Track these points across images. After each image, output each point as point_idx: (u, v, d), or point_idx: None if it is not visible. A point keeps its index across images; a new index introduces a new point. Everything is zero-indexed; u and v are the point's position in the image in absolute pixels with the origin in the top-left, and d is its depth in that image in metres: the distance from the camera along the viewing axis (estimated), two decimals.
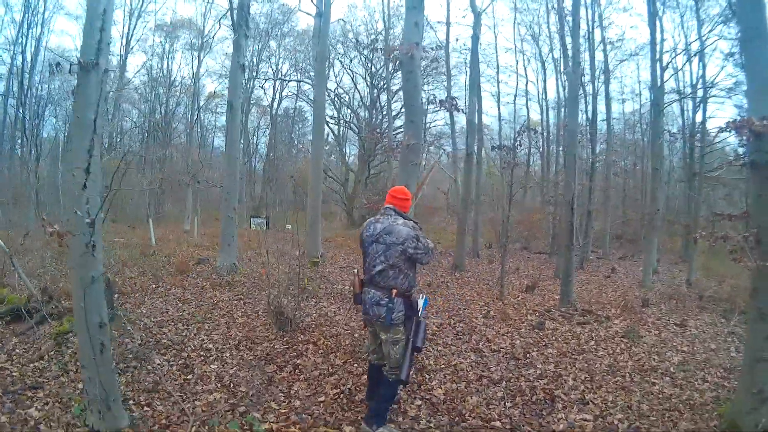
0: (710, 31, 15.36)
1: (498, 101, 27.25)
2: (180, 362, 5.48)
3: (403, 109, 29.90)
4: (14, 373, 4.89)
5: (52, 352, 5.40)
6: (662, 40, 15.55)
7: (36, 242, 13.69)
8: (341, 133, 33.46)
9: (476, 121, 15.48)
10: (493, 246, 19.21)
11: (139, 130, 33.77)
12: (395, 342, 3.91)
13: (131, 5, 28.72)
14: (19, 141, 24.85)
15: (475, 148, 15.94)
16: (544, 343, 6.60)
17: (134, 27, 28.89)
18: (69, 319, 5.94)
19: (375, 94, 30.75)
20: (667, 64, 14.98)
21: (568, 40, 9.61)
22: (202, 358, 5.66)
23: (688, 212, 17.42)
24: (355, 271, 4.11)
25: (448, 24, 17.65)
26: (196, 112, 31.87)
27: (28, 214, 18.67)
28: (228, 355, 5.76)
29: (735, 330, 7.80)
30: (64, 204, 16.24)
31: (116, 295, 8.07)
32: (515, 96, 27.66)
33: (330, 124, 30.28)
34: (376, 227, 3.96)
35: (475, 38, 14.25)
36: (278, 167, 33.76)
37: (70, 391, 4.49)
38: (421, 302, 4.01)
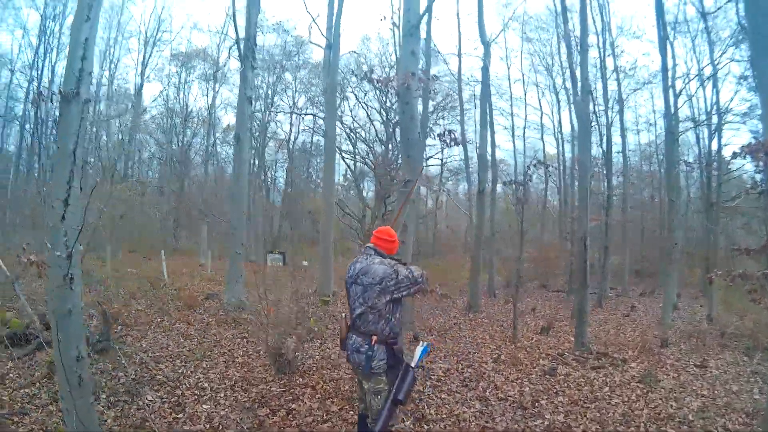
0: (722, 54, 15.31)
1: (512, 134, 27.06)
2: (173, 400, 5.35)
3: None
4: (4, 397, 4.90)
5: (44, 380, 5.38)
6: (674, 65, 15.43)
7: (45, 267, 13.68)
8: (357, 168, 33.42)
9: (488, 156, 15.24)
10: (510, 284, 18.79)
11: (156, 161, 34.28)
12: (377, 392, 3.59)
13: (146, 33, 29.58)
14: (36, 165, 25.20)
15: (488, 183, 15.69)
16: (554, 391, 6.24)
17: (149, 56, 29.72)
18: None
19: (390, 129, 30.77)
20: (680, 90, 14.70)
21: (578, 71, 9.38)
22: (196, 397, 5.50)
23: (707, 244, 16.84)
24: (343, 315, 3.84)
25: (459, 56, 17.58)
26: (212, 145, 32.22)
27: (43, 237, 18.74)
28: (222, 395, 5.58)
29: (758, 369, 7.42)
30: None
31: (119, 327, 8.06)
32: (524, 129, 27.52)
33: (346, 159, 30.23)
34: (355, 267, 3.71)
35: (485, 70, 14.05)
36: (296, 201, 33.76)
37: (56, 421, 4.44)
38: (418, 350, 3.75)
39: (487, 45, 13.99)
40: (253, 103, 30.44)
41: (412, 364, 3.69)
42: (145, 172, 36.66)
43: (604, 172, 17.80)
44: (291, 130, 34.26)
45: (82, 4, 3.99)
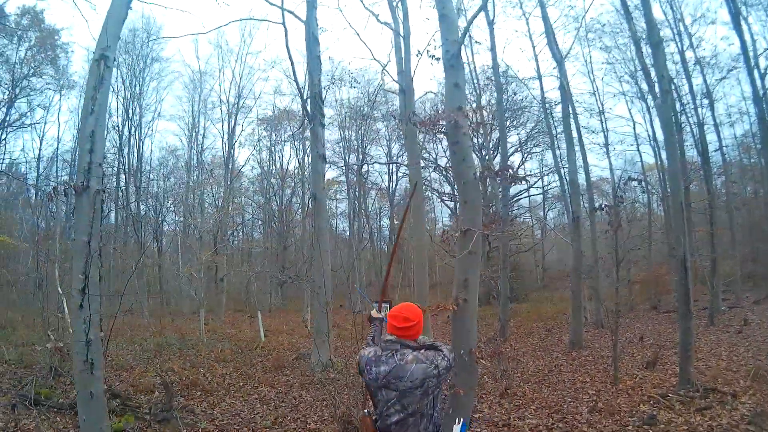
0: None
1: (607, 151, 25.15)
2: None
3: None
4: None
5: None
6: (753, 42, 13.75)
7: (142, 332, 14.46)
8: (456, 208, 32.87)
9: (577, 180, 14.11)
10: (621, 311, 17.20)
11: (259, 223, 35.70)
12: None
13: (228, 105, 31.04)
14: (133, 234, 27.17)
15: (584, 209, 14.57)
16: None
17: (234, 123, 31.02)
18: (127, 419, 6.11)
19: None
20: (766, 69, 12.95)
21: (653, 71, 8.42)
22: None
23: None
24: (366, 412, 3.18)
25: (540, 78, 16.63)
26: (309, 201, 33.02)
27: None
28: None
29: None
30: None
31: (198, 393, 8.09)
32: (606, 144, 24.95)
33: (446, 202, 29.88)
34: (379, 370, 2.97)
35: (562, 89, 13.16)
36: (404, 248, 33.66)
37: None
38: (457, 429, 3.22)
39: (560, 62, 13.16)
40: (348, 156, 31.65)
41: None
42: (249, 234, 38.50)
43: (703, 175, 15.93)
44: (389, 178, 34.57)
45: (86, 98, 4.23)
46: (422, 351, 2.95)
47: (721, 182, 19.07)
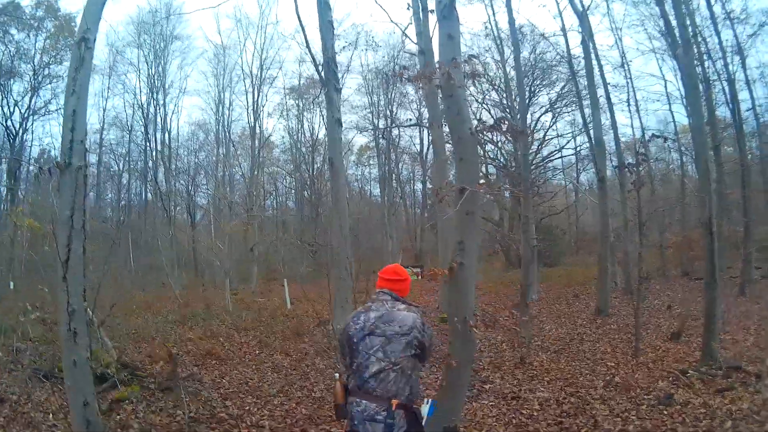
0: None
1: (637, 111, 23.93)
2: None
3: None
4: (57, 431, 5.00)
5: (103, 417, 5.29)
6: None
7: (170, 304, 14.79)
8: (488, 171, 32.11)
9: (603, 139, 13.53)
10: (651, 275, 16.58)
11: (289, 192, 35.99)
12: None
13: (252, 77, 30.77)
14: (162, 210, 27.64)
15: (612, 170, 14.02)
16: (663, 431, 4.85)
17: (258, 95, 30.74)
18: (133, 388, 6.24)
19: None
20: None
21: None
22: None
23: None
24: (336, 376, 3.17)
25: (565, 34, 15.86)
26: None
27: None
28: None
29: None
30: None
31: (213, 362, 8.28)
32: (628, 102, 23.65)
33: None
34: (368, 317, 2.94)
35: (584, 44, 12.50)
36: (435, 213, 33.31)
37: None
38: (424, 409, 3.04)
39: (581, 16, 12.48)
40: (378, 121, 31.14)
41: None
42: (283, 203, 38.78)
43: (735, 133, 15.03)
44: (422, 142, 34.02)
45: (68, 78, 4.41)
46: (414, 306, 3.05)
47: (756, 144, 17.98)
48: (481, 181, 4.59)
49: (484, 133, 4.79)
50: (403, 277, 3.13)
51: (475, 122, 4.53)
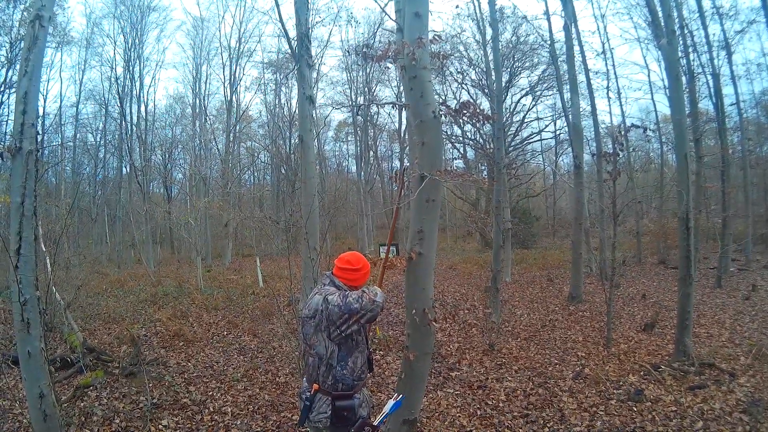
0: None
1: (619, 99, 23.98)
2: (187, 427, 5.06)
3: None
4: (24, 419, 4.96)
5: (67, 404, 5.33)
6: None
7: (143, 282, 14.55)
8: (465, 151, 31.97)
9: (580, 125, 13.40)
10: (628, 262, 16.69)
11: (267, 167, 35.46)
12: None
13: (230, 50, 29.98)
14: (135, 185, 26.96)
15: (589, 156, 13.96)
16: (632, 428, 4.79)
17: (235, 68, 29.98)
18: (97, 374, 6.16)
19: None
20: None
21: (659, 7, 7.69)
22: (213, 423, 5.15)
23: None
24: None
25: (548, 17, 15.63)
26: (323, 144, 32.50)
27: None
28: (239, 422, 5.14)
29: None
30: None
31: (180, 344, 8.13)
32: (607, 88, 23.60)
33: (455, 144, 29.06)
34: (310, 303, 2.90)
35: (567, 29, 12.24)
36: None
37: None
38: (389, 404, 3.00)
39: (564, 0, 12.29)
40: (356, 98, 30.63)
41: (375, 422, 2.91)
42: (261, 179, 38.28)
43: (717, 129, 15.07)
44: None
45: (21, 59, 4.21)
46: (339, 291, 2.87)
47: (737, 139, 18.19)
48: (458, 163, 4.43)
49: (451, 116, 4.57)
50: (355, 267, 3.03)
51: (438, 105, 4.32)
